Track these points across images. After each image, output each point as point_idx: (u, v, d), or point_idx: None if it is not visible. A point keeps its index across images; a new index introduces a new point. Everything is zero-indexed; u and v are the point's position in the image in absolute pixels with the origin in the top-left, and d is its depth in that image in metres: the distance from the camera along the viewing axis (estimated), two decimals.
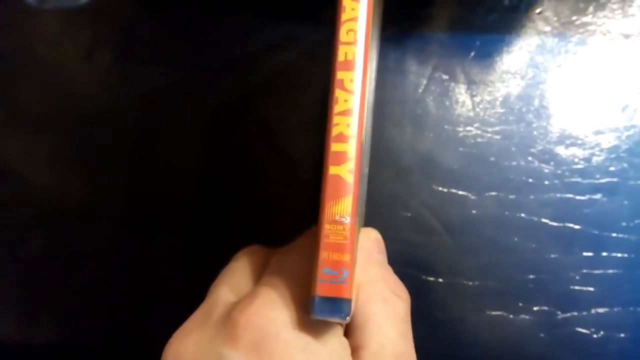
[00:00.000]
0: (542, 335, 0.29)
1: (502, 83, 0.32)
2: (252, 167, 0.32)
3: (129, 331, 0.32)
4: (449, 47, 0.32)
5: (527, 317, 0.29)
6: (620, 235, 0.30)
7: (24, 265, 0.32)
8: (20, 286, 0.32)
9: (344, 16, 0.18)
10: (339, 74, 0.18)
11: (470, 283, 0.30)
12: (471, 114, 0.31)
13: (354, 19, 0.18)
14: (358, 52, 0.18)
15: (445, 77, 0.32)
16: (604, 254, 0.30)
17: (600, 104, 0.32)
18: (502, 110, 0.32)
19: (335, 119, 0.18)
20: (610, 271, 0.30)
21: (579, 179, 0.31)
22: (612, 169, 0.31)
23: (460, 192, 0.31)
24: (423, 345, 0.30)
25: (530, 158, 0.31)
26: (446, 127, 0.31)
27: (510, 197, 0.31)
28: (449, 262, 0.30)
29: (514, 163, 0.31)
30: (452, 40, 0.32)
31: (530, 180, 0.31)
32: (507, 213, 0.30)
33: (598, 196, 0.31)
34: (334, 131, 0.18)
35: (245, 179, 0.32)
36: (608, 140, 0.32)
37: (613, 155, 0.31)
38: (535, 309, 0.29)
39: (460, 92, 0.32)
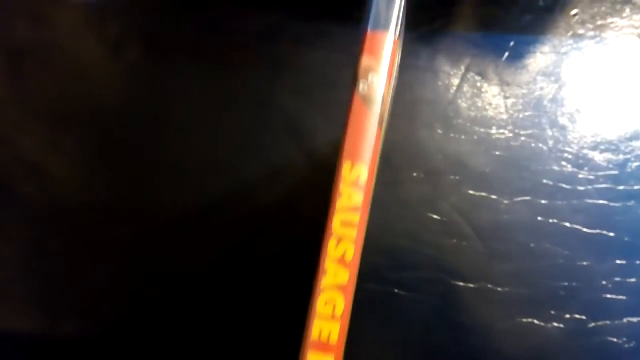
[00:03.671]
0: (572, 344, 0.29)
1: (535, 85, 0.32)
2: (278, 166, 0.31)
3: (150, 326, 0.31)
4: (482, 47, 0.32)
5: (559, 325, 0.29)
6: None
7: (46, 260, 0.32)
8: (43, 280, 0.32)
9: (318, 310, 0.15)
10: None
11: (500, 289, 0.29)
12: (504, 116, 0.31)
13: (334, 288, 0.15)
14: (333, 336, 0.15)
15: (478, 78, 0.31)
16: (638, 262, 0.29)
17: (636, 109, 0.31)
18: (535, 113, 0.31)
19: None
20: None
21: (613, 186, 0.30)
22: None
23: (492, 196, 0.30)
24: (449, 350, 0.29)
25: (564, 163, 0.30)
26: (478, 129, 0.31)
27: (543, 202, 0.30)
28: (479, 267, 0.29)
29: (547, 168, 0.30)
30: (486, 41, 0.32)
31: (564, 185, 0.30)
32: (539, 219, 0.30)
33: (632, 203, 0.30)
34: None
35: (272, 178, 0.31)
36: None
37: None
38: (566, 317, 0.29)
39: (494, 94, 0.31)
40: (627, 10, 0.33)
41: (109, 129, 0.32)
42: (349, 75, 0.31)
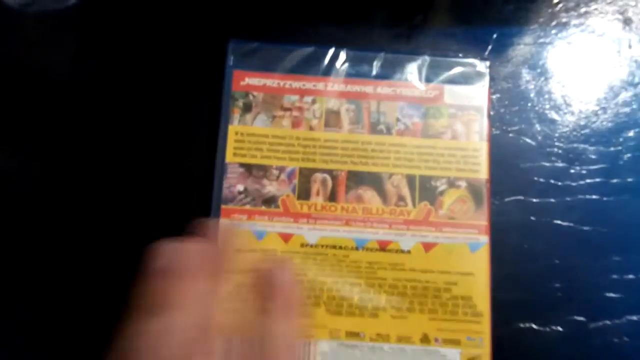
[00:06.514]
0: (573, 346, 0.28)
1: (521, 79, 0.30)
2: None
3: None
4: (464, 42, 0.30)
5: (557, 328, 0.28)
6: None
7: None
8: None
9: None
10: None
11: (496, 294, 0.28)
12: (490, 112, 0.30)
13: None
14: None
15: None
16: (634, 257, 0.28)
17: (626, 100, 0.30)
18: (522, 108, 0.30)
19: None
20: None
21: (606, 179, 0.29)
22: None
23: None
24: None
25: (553, 158, 0.29)
26: None
27: (535, 200, 0.29)
28: None
29: (537, 164, 0.29)
30: (467, 35, 0.30)
31: (555, 182, 0.29)
32: (532, 218, 0.29)
33: (626, 197, 0.29)
34: None
35: None
36: (634, 138, 0.30)
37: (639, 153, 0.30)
38: (566, 319, 0.28)
39: None
40: None
41: (69, 141, 0.30)
42: None
